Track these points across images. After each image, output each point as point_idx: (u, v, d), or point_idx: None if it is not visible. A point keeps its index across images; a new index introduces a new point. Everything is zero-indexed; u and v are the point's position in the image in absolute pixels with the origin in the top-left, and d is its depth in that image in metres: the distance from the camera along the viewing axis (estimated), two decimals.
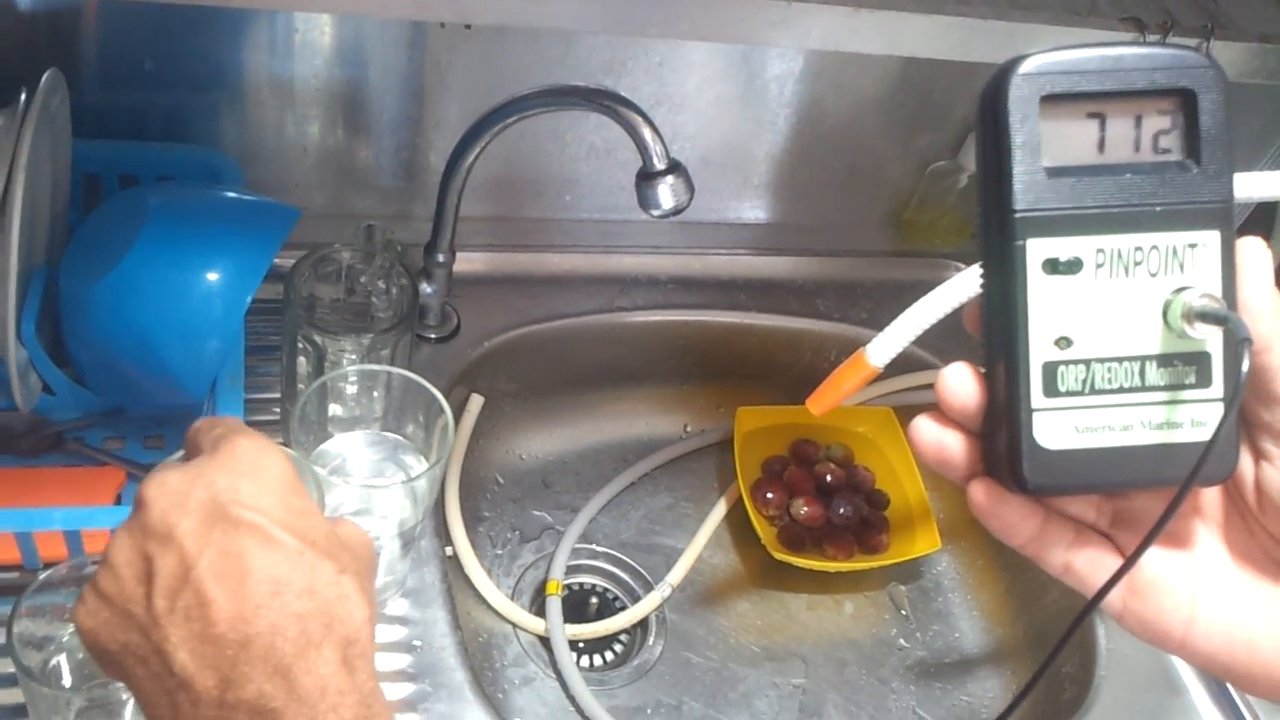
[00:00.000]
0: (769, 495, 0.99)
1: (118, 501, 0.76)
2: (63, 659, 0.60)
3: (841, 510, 0.99)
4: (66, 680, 0.60)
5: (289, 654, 0.41)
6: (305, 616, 0.41)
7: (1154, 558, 0.41)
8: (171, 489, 0.43)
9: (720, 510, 1.00)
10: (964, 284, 0.41)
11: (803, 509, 0.98)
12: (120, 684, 0.56)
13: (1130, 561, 0.39)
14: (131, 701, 0.58)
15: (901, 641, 0.96)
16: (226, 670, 0.40)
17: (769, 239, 1.10)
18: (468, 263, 0.96)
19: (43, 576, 0.57)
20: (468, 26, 0.86)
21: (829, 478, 1.01)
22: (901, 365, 0.87)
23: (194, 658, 0.40)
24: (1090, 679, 0.85)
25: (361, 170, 0.97)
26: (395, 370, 0.71)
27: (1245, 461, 0.40)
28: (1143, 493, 0.41)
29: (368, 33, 0.87)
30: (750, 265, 1.07)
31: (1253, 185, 0.56)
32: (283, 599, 0.41)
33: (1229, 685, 0.84)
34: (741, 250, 1.08)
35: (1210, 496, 0.41)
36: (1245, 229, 1.16)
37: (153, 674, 0.42)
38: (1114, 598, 0.41)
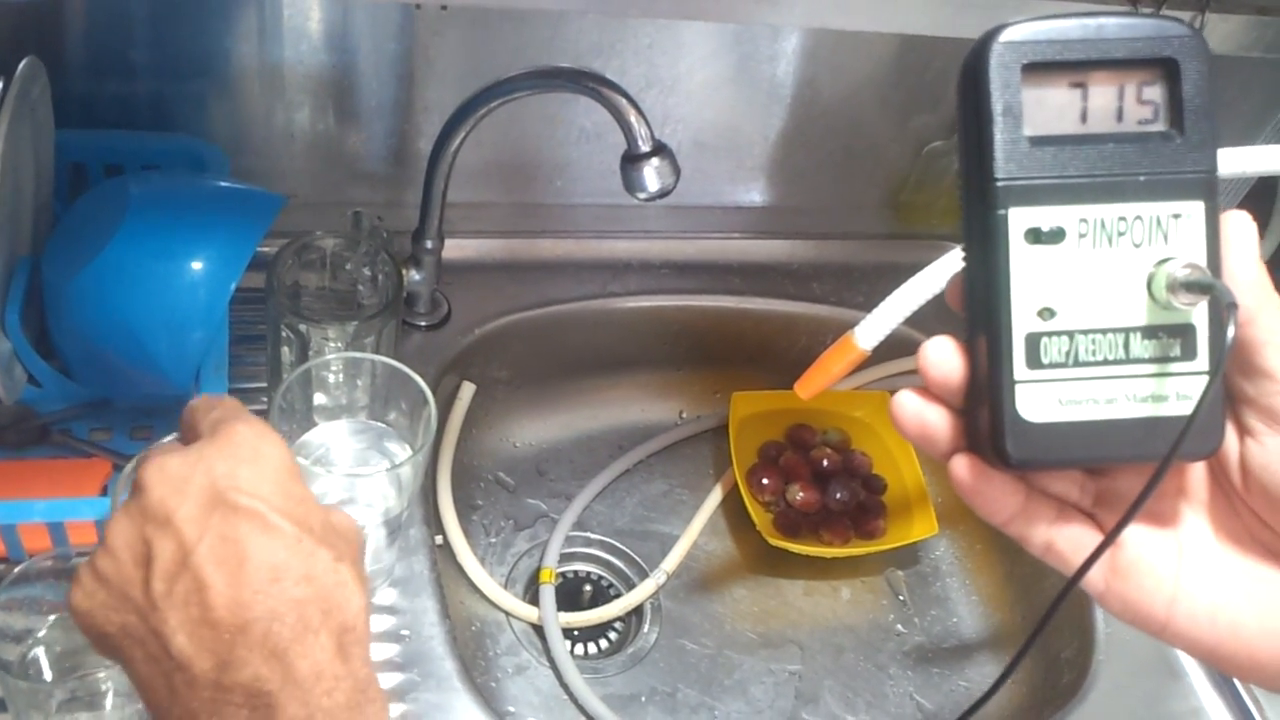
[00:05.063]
0: (764, 481, 0.98)
1: (103, 493, 0.75)
2: (41, 652, 0.60)
3: (838, 495, 0.98)
4: (46, 674, 0.60)
5: (286, 639, 0.41)
6: (303, 603, 0.42)
7: (1137, 537, 0.40)
8: (171, 473, 0.43)
9: (716, 497, 0.99)
10: (952, 263, 0.40)
11: (799, 494, 0.98)
12: (100, 677, 0.56)
13: (1111, 536, 0.38)
14: (111, 693, 0.57)
15: (899, 627, 0.95)
16: (224, 654, 0.41)
17: (764, 222, 1.08)
18: (458, 249, 0.95)
19: (19, 569, 0.56)
20: (444, 7, 0.85)
21: (825, 463, 1.00)
22: (898, 348, 0.86)
23: (191, 641, 0.41)
24: (1088, 664, 0.84)
25: (350, 157, 0.96)
26: (378, 358, 0.70)
27: (1230, 439, 0.39)
28: (1126, 471, 0.40)
29: (355, 17, 0.86)
30: (745, 249, 1.06)
31: (1238, 160, 0.55)
32: (281, 585, 0.41)
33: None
34: (736, 234, 1.07)
35: (1196, 475, 0.40)
36: (1244, 204, 1.14)
37: (150, 656, 0.42)
38: (1096, 577, 0.40)
